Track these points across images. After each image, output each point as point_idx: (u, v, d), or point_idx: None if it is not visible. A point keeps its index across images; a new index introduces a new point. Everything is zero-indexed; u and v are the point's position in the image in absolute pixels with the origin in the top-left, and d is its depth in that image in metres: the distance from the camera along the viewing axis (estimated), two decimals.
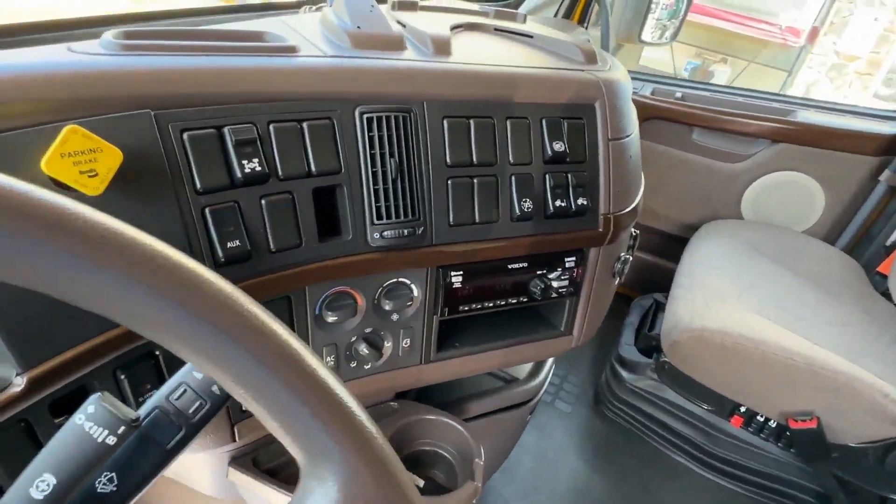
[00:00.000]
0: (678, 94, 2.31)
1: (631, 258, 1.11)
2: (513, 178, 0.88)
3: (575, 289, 1.03)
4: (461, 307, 0.93)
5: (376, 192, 0.78)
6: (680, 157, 2.34)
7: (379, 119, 0.76)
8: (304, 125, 0.72)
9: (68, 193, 0.52)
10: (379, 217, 0.79)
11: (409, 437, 1.01)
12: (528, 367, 1.41)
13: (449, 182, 0.83)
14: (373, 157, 0.77)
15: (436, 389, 1.30)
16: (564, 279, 1.01)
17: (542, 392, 1.44)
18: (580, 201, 0.94)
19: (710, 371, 1.70)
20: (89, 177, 0.52)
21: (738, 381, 1.68)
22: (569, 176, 0.93)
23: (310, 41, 0.83)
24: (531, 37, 1.11)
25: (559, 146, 0.90)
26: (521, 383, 1.35)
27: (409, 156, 0.80)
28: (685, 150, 2.32)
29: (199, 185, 0.65)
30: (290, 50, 0.76)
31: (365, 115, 0.76)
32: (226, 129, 0.66)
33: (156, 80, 0.62)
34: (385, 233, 0.80)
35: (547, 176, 0.91)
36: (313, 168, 0.73)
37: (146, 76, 0.61)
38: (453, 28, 1.05)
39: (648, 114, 2.29)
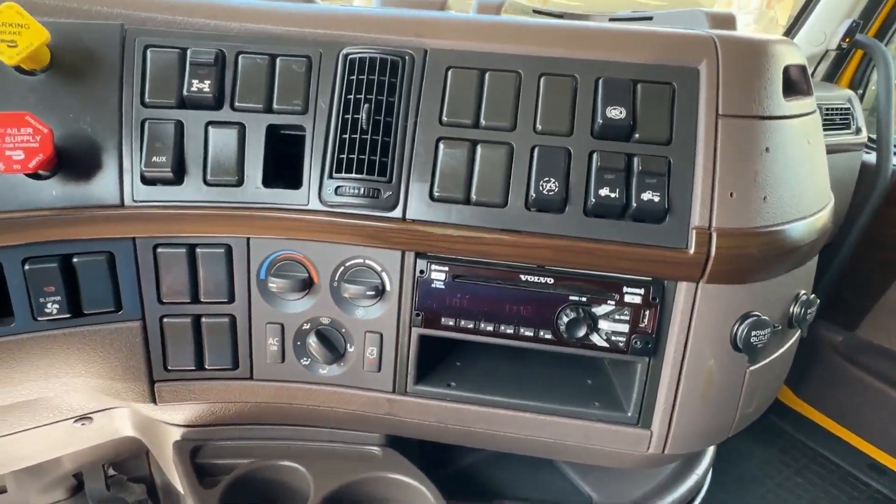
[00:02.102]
0: None
1: (776, 330, 0.66)
2: (536, 150, 0.63)
3: (647, 345, 0.65)
4: (447, 321, 0.68)
5: (342, 141, 0.65)
6: None
7: (363, 62, 0.65)
8: (278, 60, 0.66)
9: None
10: (339, 170, 0.65)
11: (369, 500, 0.74)
12: (632, 492, 0.94)
13: (439, 143, 0.64)
14: (347, 101, 0.65)
15: (475, 468, 0.98)
16: (622, 321, 0.65)
17: None
18: (649, 197, 0.61)
19: None
20: (8, 46, 0.55)
21: None
22: (634, 159, 0.62)
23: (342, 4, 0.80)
24: (650, 18, 0.86)
25: (617, 113, 0.62)
26: None
27: (394, 107, 0.65)
28: None
29: (146, 98, 0.64)
30: (307, 0, 0.74)
31: (349, 57, 0.66)
32: (189, 50, 0.65)
33: (132, 2, 0.65)
34: (341, 188, 0.65)
35: (595, 155, 0.63)
36: (274, 103, 0.66)
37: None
38: (543, 12, 0.89)
39: None
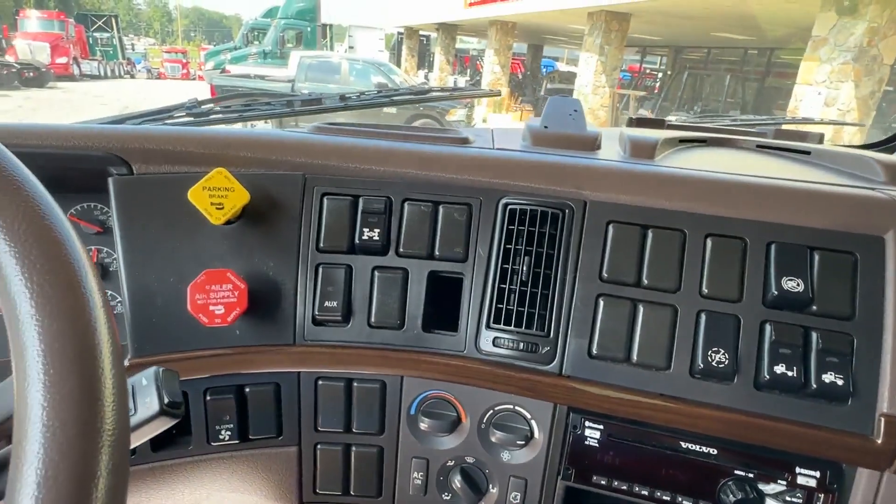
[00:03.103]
0: None
1: None
2: (702, 315, 0.62)
3: None
4: (599, 479, 0.66)
5: (500, 291, 0.66)
6: None
7: (523, 213, 0.67)
8: (441, 208, 0.69)
9: (199, 216, 0.62)
10: (497, 321, 0.66)
11: None
12: None
13: (599, 300, 0.64)
14: (507, 252, 0.67)
15: None
16: (794, 502, 0.61)
17: None
18: (830, 378, 0.58)
19: None
20: (216, 208, 0.62)
21: None
22: (812, 334, 0.59)
23: (493, 138, 0.82)
24: (808, 153, 0.82)
25: (794, 285, 0.60)
26: None
27: (553, 259, 0.66)
28: None
29: (321, 244, 0.69)
30: (463, 141, 0.77)
31: (509, 207, 0.68)
32: (360, 199, 0.69)
33: (311, 151, 0.71)
34: (499, 340, 0.66)
35: (767, 326, 0.60)
36: (436, 250, 0.68)
37: (306, 146, 0.71)
38: (687, 140, 0.87)
39: None
